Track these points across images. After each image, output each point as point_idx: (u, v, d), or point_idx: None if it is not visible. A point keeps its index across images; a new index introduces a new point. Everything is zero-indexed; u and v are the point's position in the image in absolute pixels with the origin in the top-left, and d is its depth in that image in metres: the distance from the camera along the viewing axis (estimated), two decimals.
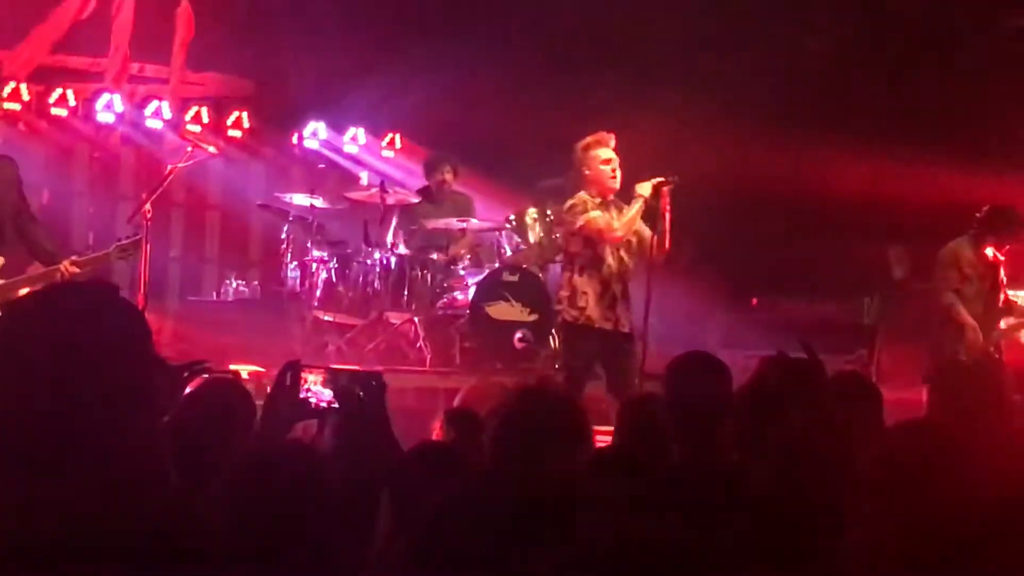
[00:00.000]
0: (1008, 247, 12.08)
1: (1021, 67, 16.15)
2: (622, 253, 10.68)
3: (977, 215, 12.14)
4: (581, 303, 10.58)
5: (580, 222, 10.57)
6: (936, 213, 13.77)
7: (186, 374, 4.53)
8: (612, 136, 10.75)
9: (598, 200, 10.61)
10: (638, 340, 10.64)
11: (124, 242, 10.67)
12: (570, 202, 10.72)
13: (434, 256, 14.30)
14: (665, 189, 10.52)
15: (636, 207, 10.52)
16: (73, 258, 10.39)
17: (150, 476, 2.88)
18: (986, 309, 12.01)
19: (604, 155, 10.64)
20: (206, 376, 4.95)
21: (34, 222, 10.43)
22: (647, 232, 10.60)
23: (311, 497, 3.48)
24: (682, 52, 16.72)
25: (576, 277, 10.66)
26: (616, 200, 10.69)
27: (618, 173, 10.62)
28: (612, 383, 10.47)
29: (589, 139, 10.77)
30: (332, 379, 4.81)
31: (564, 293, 10.76)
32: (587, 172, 10.68)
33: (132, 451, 2.82)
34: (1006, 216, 12.07)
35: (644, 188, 10.51)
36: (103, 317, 2.87)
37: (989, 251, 12.03)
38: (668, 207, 10.55)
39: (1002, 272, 12.11)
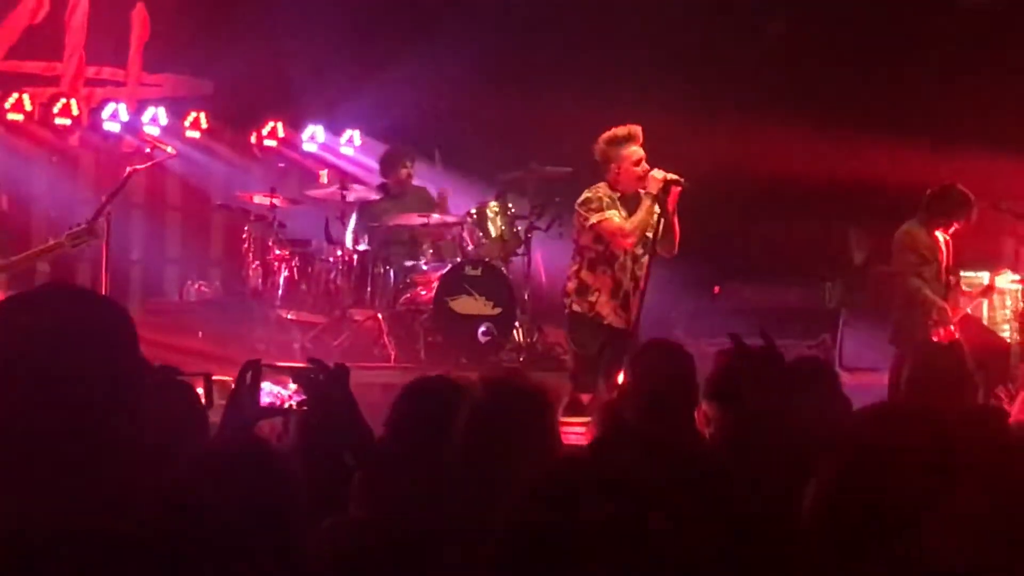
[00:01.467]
0: (955, 227, 12.12)
1: (978, 47, 16.23)
2: (637, 250, 10.38)
3: (924, 198, 12.16)
4: (591, 298, 10.38)
5: (594, 219, 10.29)
6: (895, 195, 13.81)
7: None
8: (640, 129, 10.39)
9: (617, 195, 10.33)
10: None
11: (76, 229, 10.61)
12: (586, 195, 10.40)
13: (394, 248, 14.30)
14: (676, 189, 10.23)
15: (646, 207, 10.23)
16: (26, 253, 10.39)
17: (141, 478, 2.88)
18: (944, 289, 12.09)
19: (636, 155, 10.29)
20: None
21: None
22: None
23: (272, 493, 3.47)
24: (638, 37, 16.75)
25: (585, 272, 10.44)
26: (636, 194, 10.37)
27: (648, 171, 10.26)
28: (607, 372, 10.12)
29: (619, 132, 10.39)
30: (294, 375, 4.83)
31: (571, 285, 10.54)
32: (615, 170, 10.33)
33: (122, 454, 2.82)
34: (951, 196, 12.08)
35: (655, 181, 10.20)
36: (89, 316, 2.88)
37: (939, 233, 12.09)
38: (675, 208, 10.31)
39: (946, 252, 12.16)
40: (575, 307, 10.45)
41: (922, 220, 12.12)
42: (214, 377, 5.02)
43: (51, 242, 10.77)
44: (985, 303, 13.40)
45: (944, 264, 12.15)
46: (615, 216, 10.28)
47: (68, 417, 2.76)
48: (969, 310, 12.66)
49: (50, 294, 3.02)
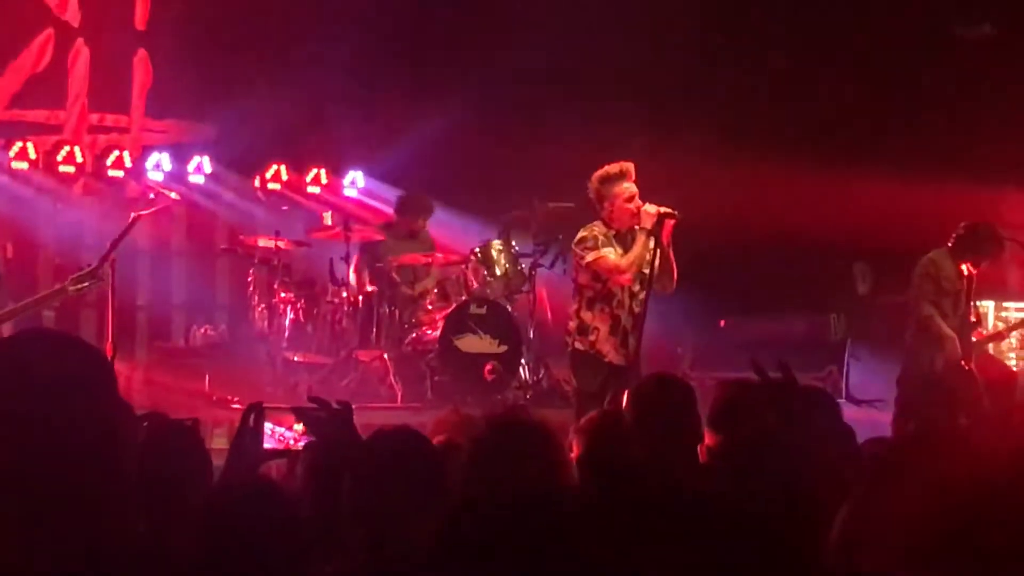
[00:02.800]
0: (983, 264, 12.14)
1: (977, 82, 16.27)
2: (635, 287, 10.33)
3: (957, 230, 12.15)
4: (591, 337, 10.32)
5: (589, 258, 10.25)
6: (898, 230, 13.83)
7: (146, 424, 4.53)
8: (632, 166, 10.34)
9: (612, 233, 10.29)
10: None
11: (79, 273, 10.58)
12: (582, 233, 10.37)
13: (400, 288, 14.33)
14: (669, 222, 10.15)
15: (641, 242, 10.18)
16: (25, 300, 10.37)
17: (121, 523, 2.88)
18: (961, 323, 12.07)
19: (629, 191, 10.22)
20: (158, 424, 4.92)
21: None
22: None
23: (280, 533, 3.49)
24: (640, 75, 16.80)
25: (584, 311, 10.38)
26: (631, 230, 10.32)
27: (640, 207, 10.19)
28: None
29: (611, 170, 10.33)
30: (297, 414, 4.84)
31: (572, 324, 10.48)
32: (608, 207, 10.28)
33: (103, 497, 2.82)
34: (985, 234, 12.09)
35: (648, 216, 10.11)
36: (66, 362, 2.88)
37: (964, 267, 12.09)
38: (669, 242, 10.23)
39: (972, 287, 12.18)
40: (576, 345, 10.43)
41: (951, 251, 12.12)
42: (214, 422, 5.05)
43: (56, 287, 10.76)
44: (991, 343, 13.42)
45: (966, 298, 12.13)
46: (610, 253, 10.24)
47: (43, 462, 2.76)
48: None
49: (25, 339, 3.03)
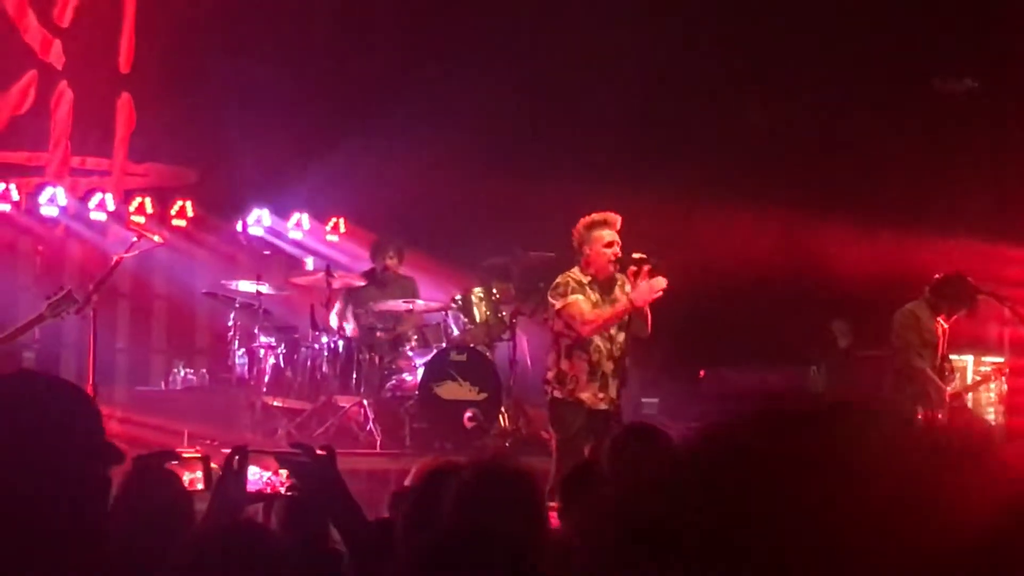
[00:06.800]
0: (957, 315, 12.22)
1: (956, 136, 16.37)
2: (612, 331, 10.30)
3: (932, 282, 12.25)
4: (570, 385, 10.23)
5: (558, 304, 10.22)
6: (877, 282, 13.90)
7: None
8: (618, 218, 10.34)
9: (588, 279, 10.24)
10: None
11: (54, 298, 10.51)
12: (557, 279, 10.36)
13: (380, 334, 14.35)
14: (645, 268, 10.09)
15: (619, 310, 10.11)
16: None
17: (101, 565, 2.89)
18: (937, 375, 12.15)
19: (608, 237, 10.20)
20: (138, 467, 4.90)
21: None
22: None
23: (262, 574, 3.49)
24: (624, 125, 16.89)
25: (563, 360, 10.29)
26: (610, 278, 10.29)
27: (618, 255, 10.19)
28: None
29: (595, 217, 10.33)
30: (280, 460, 4.85)
31: (550, 375, 10.38)
32: (587, 251, 10.25)
33: (84, 538, 2.83)
34: (959, 284, 12.20)
35: (641, 295, 10.01)
36: (54, 404, 2.90)
37: (940, 319, 12.19)
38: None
39: (943, 339, 12.26)
40: (555, 393, 10.33)
41: (928, 303, 12.20)
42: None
43: (34, 315, 10.69)
44: (970, 393, 13.50)
45: (940, 352, 12.22)
46: (579, 299, 10.19)
47: (28, 500, 2.78)
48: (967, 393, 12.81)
49: (12, 380, 3.05)
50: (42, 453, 2.82)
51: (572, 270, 10.36)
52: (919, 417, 11.86)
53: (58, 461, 2.82)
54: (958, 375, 13.36)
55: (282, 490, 4.89)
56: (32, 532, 2.77)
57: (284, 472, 4.83)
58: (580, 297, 10.21)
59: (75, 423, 2.91)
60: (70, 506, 2.82)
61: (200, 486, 5.02)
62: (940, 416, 11.98)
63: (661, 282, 10.05)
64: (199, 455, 5.20)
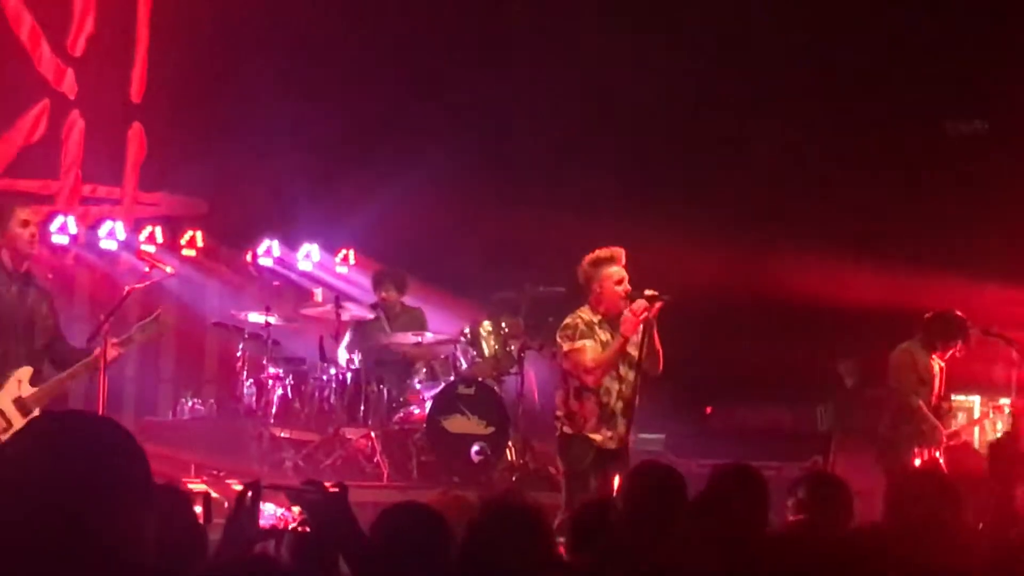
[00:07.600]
0: (951, 353, 12.28)
1: (966, 177, 16.40)
2: (622, 370, 10.13)
3: (923, 320, 12.35)
4: (579, 423, 10.09)
5: (566, 347, 10.09)
6: (885, 324, 13.91)
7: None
8: (623, 251, 10.21)
9: (598, 319, 10.11)
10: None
11: (145, 321, 10.42)
12: (566, 320, 10.21)
13: (390, 367, 14.37)
14: (656, 305, 9.88)
15: (616, 347, 9.96)
16: (112, 340, 10.15)
17: None
18: (935, 413, 12.20)
19: (617, 275, 10.06)
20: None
21: (62, 340, 10.25)
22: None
23: None
24: (630, 159, 16.93)
25: (572, 400, 10.14)
26: (620, 315, 10.05)
27: (629, 291, 10.02)
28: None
29: (600, 254, 10.19)
30: (294, 496, 4.85)
31: (560, 412, 10.26)
32: (597, 290, 10.10)
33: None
34: (950, 319, 12.30)
35: (630, 322, 9.87)
36: (104, 451, 2.91)
37: (935, 357, 12.26)
38: (655, 325, 9.99)
39: (940, 378, 12.32)
40: (565, 429, 10.21)
41: (922, 342, 12.27)
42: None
43: (87, 359, 10.46)
44: (977, 428, 13.56)
45: (937, 391, 12.27)
46: (587, 344, 10.05)
47: (76, 548, 2.80)
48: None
49: (73, 417, 3.05)
50: (97, 496, 2.84)
51: (582, 309, 10.23)
52: (916, 456, 11.93)
53: (112, 504, 2.84)
54: (962, 415, 13.43)
55: (293, 525, 4.89)
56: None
57: (296, 508, 4.83)
58: (588, 343, 10.06)
59: (131, 467, 2.93)
60: (118, 547, 2.84)
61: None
62: (936, 455, 12.02)
63: (640, 304, 9.87)
64: (201, 489, 5.22)
